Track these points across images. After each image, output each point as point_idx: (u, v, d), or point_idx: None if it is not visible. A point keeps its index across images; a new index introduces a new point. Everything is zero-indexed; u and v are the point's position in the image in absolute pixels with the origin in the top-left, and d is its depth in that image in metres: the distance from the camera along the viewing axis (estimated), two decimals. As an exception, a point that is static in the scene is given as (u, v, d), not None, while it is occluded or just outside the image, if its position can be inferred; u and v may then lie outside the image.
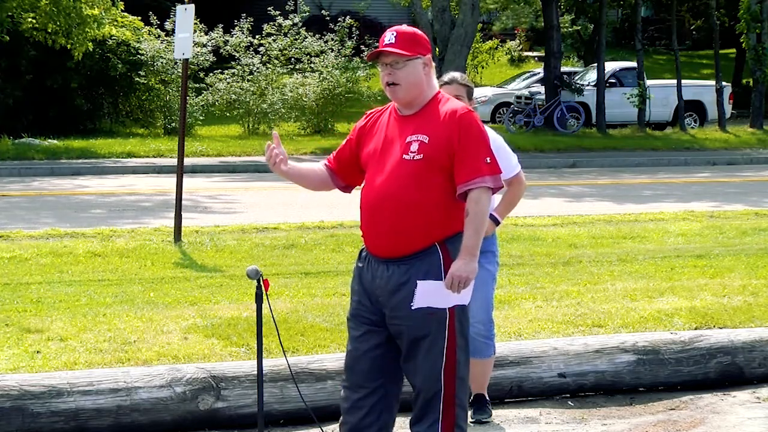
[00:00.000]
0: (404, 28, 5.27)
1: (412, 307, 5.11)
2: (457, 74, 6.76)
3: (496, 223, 6.71)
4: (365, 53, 28.84)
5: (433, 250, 5.13)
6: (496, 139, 6.83)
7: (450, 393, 5.19)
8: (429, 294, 5.11)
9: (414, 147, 5.13)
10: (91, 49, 23.20)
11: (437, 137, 5.12)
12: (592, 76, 32.37)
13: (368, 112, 5.47)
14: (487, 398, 6.86)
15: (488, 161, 5.12)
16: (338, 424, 5.46)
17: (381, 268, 5.18)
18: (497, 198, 6.63)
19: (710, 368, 7.54)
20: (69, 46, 22.56)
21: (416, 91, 5.20)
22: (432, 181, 5.11)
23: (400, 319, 5.17)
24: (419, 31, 5.28)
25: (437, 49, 25.49)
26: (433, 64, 5.29)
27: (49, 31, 22.29)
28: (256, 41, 28.01)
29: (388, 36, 5.21)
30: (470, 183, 5.08)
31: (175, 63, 26.55)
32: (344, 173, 5.44)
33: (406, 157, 5.13)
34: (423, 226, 5.11)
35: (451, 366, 5.17)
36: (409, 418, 5.33)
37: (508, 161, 6.81)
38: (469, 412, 6.80)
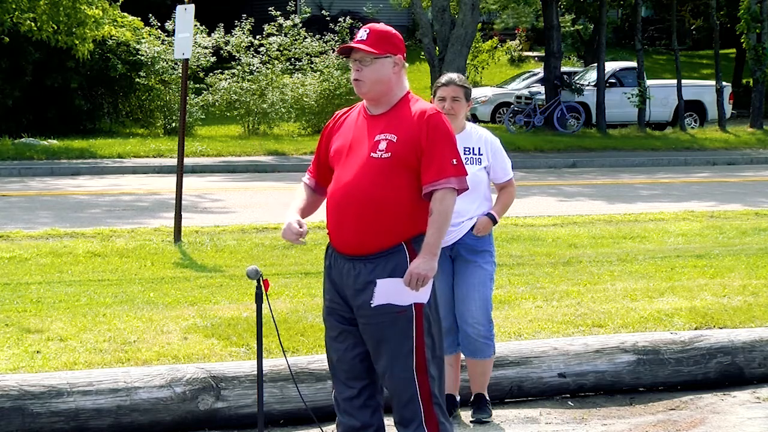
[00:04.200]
0: (378, 26, 5.29)
1: (372, 305, 5.13)
2: (454, 75, 6.76)
3: (494, 222, 6.73)
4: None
5: (400, 249, 5.15)
6: (494, 143, 6.83)
7: (426, 392, 5.20)
8: (388, 291, 5.12)
9: (382, 145, 5.15)
10: (91, 49, 23.21)
11: (405, 136, 5.15)
12: (592, 76, 32.38)
13: (337, 112, 5.50)
14: (487, 398, 6.86)
15: (454, 162, 5.16)
16: (335, 425, 5.47)
17: (347, 266, 5.20)
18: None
19: (710, 368, 7.54)
20: (71, 45, 22.56)
21: (382, 89, 5.22)
22: (399, 179, 5.14)
23: (366, 318, 5.19)
24: (393, 31, 5.30)
25: (437, 49, 25.49)
26: (405, 65, 5.29)
27: (50, 30, 22.29)
28: (256, 41, 28.01)
29: (361, 32, 5.24)
30: (436, 183, 5.11)
31: (175, 63, 26.55)
32: (328, 181, 5.41)
33: (374, 155, 5.16)
34: (389, 224, 5.13)
35: (422, 366, 5.19)
36: (392, 417, 5.33)
37: (507, 164, 6.83)
38: (469, 412, 6.82)
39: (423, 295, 5.15)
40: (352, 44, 5.21)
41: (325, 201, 5.33)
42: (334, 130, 5.39)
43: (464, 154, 6.63)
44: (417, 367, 5.18)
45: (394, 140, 5.15)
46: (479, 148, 6.73)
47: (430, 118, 5.17)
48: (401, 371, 5.17)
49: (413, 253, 5.15)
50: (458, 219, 6.59)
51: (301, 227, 5.25)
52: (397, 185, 5.13)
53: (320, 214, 14.82)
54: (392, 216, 5.13)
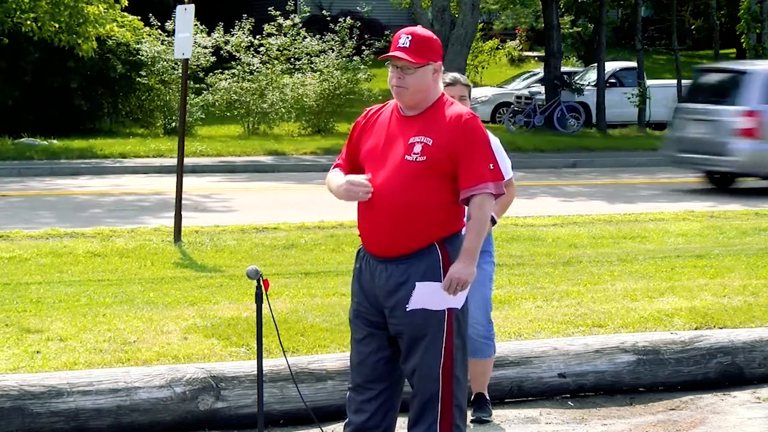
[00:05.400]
0: (420, 31, 5.22)
1: (408, 308, 5.12)
2: (458, 75, 6.75)
3: (493, 222, 6.73)
4: (365, 53, 28.84)
5: (432, 250, 5.14)
6: (493, 143, 6.82)
7: (448, 393, 5.20)
8: (425, 295, 5.11)
9: (417, 148, 5.13)
10: (95, 47, 23.21)
11: (441, 140, 5.13)
12: (592, 76, 32.39)
13: (368, 108, 5.45)
14: (487, 397, 6.86)
15: (492, 168, 5.15)
16: (343, 424, 5.46)
17: (379, 268, 5.19)
18: None
19: (710, 368, 7.54)
20: (74, 44, 22.55)
21: (422, 96, 5.20)
22: (433, 182, 5.12)
23: (399, 319, 5.18)
24: (434, 36, 5.25)
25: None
26: (442, 68, 5.27)
27: (51, 30, 22.29)
28: (256, 41, 28.01)
29: (403, 39, 5.17)
30: (474, 189, 5.11)
31: (175, 63, 26.55)
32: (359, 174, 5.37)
33: (408, 158, 5.13)
34: (422, 226, 5.12)
35: (448, 366, 5.19)
36: (407, 418, 5.33)
37: (506, 165, 6.83)
38: (469, 412, 6.81)
39: (458, 301, 5.16)
40: (398, 54, 5.14)
41: (356, 203, 5.28)
42: (366, 127, 5.34)
43: None
44: (444, 367, 5.18)
45: (430, 144, 5.13)
46: None
47: (466, 123, 5.16)
48: (429, 370, 5.18)
49: (446, 254, 5.15)
50: None
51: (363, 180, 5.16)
52: (430, 188, 5.12)
53: (320, 216, 14.67)
54: (425, 219, 5.12)
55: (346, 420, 5.41)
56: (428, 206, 5.11)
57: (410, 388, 5.30)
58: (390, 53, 5.17)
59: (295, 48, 28.35)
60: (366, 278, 5.25)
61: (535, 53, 44.02)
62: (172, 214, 12.99)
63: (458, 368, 5.21)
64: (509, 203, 6.90)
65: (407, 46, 5.15)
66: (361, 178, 5.18)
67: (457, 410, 5.24)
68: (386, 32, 31.27)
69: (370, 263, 5.24)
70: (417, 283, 5.10)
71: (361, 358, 5.31)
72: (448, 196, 5.15)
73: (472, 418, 6.77)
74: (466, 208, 5.19)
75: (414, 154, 5.13)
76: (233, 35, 28.15)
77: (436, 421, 5.20)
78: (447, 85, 6.64)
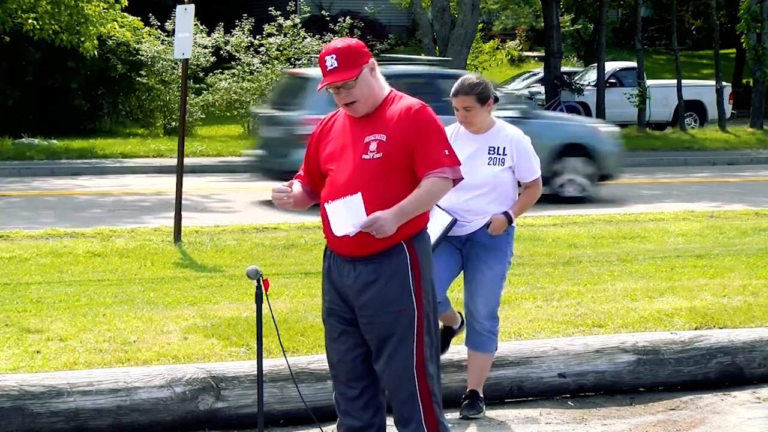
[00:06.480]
0: (339, 44, 5.22)
1: (326, 205, 5.14)
2: (463, 83, 6.66)
3: (510, 221, 6.71)
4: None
5: (400, 249, 5.15)
6: (520, 142, 6.78)
7: (425, 391, 5.22)
8: (350, 208, 5.07)
9: (372, 146, 5.15)
10: (96, 46, 23.22)
11: (395, 134, 5.15)
12: (592, 76, 32.40)
13: (321, 118, 5.48)
14: (481, 395, 6.83)
15: (447, 153, 5.17)
16: (335, 426, 5.47)
17: (347, 267, 5.20)
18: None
19: (710, 368, 7.53)
20: (76, 43, 22.55)
21: (373, 99, 5.23)
22: (392, 179, 5.14)
23: (368, 318, 5.19)
24: (353, 41, 5.26)
25: (437, 49, 25.49)
26: (375, 62, 5.27)
27: (52, 30, 22.29)
28: (256, 41, 28.01)
29: (329, 61, 5.17)
30: (431, 174, 5.13)
31: (175, 63, 26.55)
32: (320, 187, 5.40)
33: (365, 157, 5.15)
34: None
35: (421, 364, 5.20)
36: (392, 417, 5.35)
37: (533, 164, 6.78)
38: (462, 406, 6.80)
39: (354, 229, 5.08)
40: (329, 79, 5.15)
41: (320, 205, 5.30)
42: (322, 135, 5.38)
43: (488, 153, 6.63)
44: (416, 365, 5.19)
45: (384, 140, 5.15)
46: (504, 148, 6.68)
47: (416, 114, 5.18)
48: (401, 369, 5.18)
49: (413, 252, 5.16)
50: (471, 216, 6.60)
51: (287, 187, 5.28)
52: (390, 185, 5.14)
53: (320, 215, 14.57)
54: None
55: (338, 422, 5.43)
56: (390, 203, 5.10)
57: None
58: (325, 82, 5.18)
59: (295, 48, 28.33)
60: (335, 276, 5.27)
61: (535, 53, 44.01)
62: (172, 214, 12.99)
63: (431, 366, 5.23)
64: (530, 203, 6.88)
65: (336, 65, 5.16)
66: (281, 185, 5.30)
67: (437, 407, 5.27)
68: (389, 35, 31.26)
69: (337, 262, 5.25)
70: (359, 195, 5.07)
71: (340, 356, 5.33)
72: (409, 191, 5.15)
73: (459, 416, 6.74)
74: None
75: (370, 152, 5.15)
76: (233, 35, 28.15)
77: (421, 422, 5.22)
78: (452, 95, 6.63)
